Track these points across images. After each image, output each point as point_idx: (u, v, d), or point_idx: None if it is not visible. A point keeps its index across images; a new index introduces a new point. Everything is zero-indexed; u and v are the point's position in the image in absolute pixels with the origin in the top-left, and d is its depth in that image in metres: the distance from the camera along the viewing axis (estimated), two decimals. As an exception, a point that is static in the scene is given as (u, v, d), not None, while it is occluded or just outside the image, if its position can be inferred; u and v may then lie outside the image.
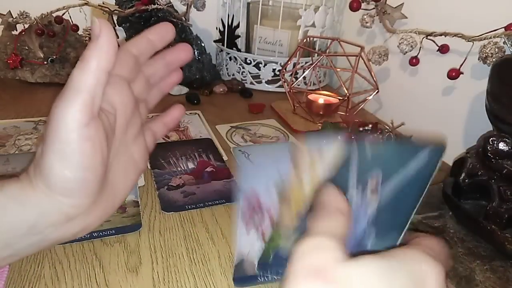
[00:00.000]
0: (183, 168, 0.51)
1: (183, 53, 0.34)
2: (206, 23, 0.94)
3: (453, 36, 0.56)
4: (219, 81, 0.84)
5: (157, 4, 0.77)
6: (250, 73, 0.84)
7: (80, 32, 0.78)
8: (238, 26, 0.85)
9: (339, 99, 0.69)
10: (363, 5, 0.70)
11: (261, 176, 0.40)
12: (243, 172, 0.44)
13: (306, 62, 0.81)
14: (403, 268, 0.17)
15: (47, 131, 0.22)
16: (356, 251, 0.19)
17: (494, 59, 0.50)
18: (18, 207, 0.22)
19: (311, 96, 0.72)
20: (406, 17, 0.67)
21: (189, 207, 0.43)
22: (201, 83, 0.81)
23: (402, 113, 0.72)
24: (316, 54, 0.75)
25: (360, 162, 0.37)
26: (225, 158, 0.54)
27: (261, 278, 0.34)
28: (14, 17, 0.71)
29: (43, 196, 0.23)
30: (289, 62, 0.74)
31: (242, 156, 0.55)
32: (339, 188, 0.34)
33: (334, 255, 0.17)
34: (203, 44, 0.84)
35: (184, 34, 0.82)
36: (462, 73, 0.56)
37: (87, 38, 0.77)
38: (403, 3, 0.67)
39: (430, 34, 0.59)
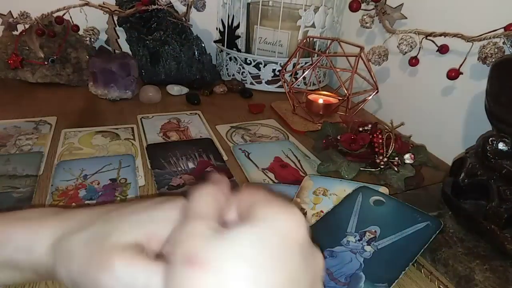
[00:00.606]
0: (183, 168, 0.51)
1: None
2: (206, 24, 0.94)
3: (452, 37, 0.56)
4: (219, 81, 0.84)
5: (158, 5, 0.77)
6: (250, 73, 0.84)
7: (80, 32, 0.78)
8: (238, 26, 0.85)
9: (339, 99, 0.69)
10: (363, 6, 0.70)
11: None
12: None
13: (306, 63, 0.81)
14: (269, 228, 0.17)
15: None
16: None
17: (493, 59, 0.50)
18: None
19: (311, 96, 0.72)
20: (406, 18, 0.67)
21: (189, 207, 0.43)
22: (201, 83, 0.81)
23: (401, 113, 0.72)
24: (316, 55, 0.75)
25: (362, 212, 0.40)
26: (225, 158, 0.54)
27: None
28: (14, 17, 0.72)
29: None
30: (289, 63, 0.74)
31: (242, 155, 0.55)
32: (337, 228, 0.37)
33: (203, 238, 0.17)
34: (203, 45, 0.84)
35: (184, 34, 0.82)
36: (462, 73, 0.57)
37: (87, 39, 0.78)
38: (402, 4, 0.67)
39: (430, 35, 0.59)
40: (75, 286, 0.20)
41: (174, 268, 0.17)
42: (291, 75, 0.75)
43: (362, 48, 0.65)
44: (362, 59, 0.64)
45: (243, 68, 0.84)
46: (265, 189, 0.21)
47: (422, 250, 0.35)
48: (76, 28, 0.77)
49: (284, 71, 0.74)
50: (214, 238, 0.17)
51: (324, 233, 0.37)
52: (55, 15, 0.72)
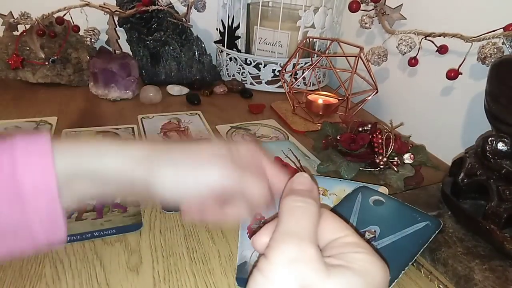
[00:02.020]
0: (183, 168, 0.51)
1: None
2: (206, 24, 0.94)
3: (452, 37, 0.56)
4: (220, 82, 0.84)
5: (158, 5, 0.77)
6: (250, 73, 0.84)
7: (81, 32, 0.78)
8: (238, 27, 0.85)
9: (339, 100, 0.69)
10: (362, 6, 0.70)
11: None
12: None
13: (305, 63, 0.81)
14: (371, 281, 0.20)
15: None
16: None
17: (493, 60, 0.51)
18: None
19: (311, 97, 0.72)
20: (405, 18, 0.67)
21: (190, 206, 0.43)
22: (201, 83, 0.82)
23: (401, 114, 0.72)
24: (315, 55, 0.75)
25: (361, 212, 0.40)
26: (225, 158, 0.54)
27: None
28: (15, 17, 0.72)
29: (142, 172, 0.26)
30: (288, 63, 0.75)
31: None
32: None
33: (317, 267, 0.19)
34: (203, 45, 0.84)
35: (184, 35, 0.82)
36: (461, 74, 0.57)
37: (88, 39, 0.78)
38: (402, 4, 0.67)
39: (429, 35, 0.60)
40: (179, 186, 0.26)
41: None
42: (291, 75, 0.75)
43: (361, 49, 0.65)
44: (362, 59, 0.65)
45: (243, 68, 0.84)
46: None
47: (421, 250, 0.35)
48: (77, 28, 0.77)
49: (284, 71, 0.74)
50: (326, 276, 0.19)
51: None
52: (55, 15, 0.72)
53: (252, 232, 0.42)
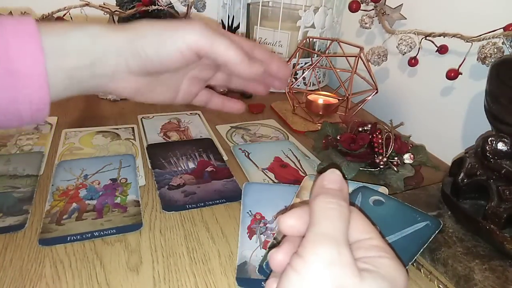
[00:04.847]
0: (183, 168, 0.51)
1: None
2: (206, 24, 0.94)
3: (452, 37, 0.56)
4: (219, 82, 0.84)
5: (158, 5, 0.77)
6: (250, 73, 0.84)
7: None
8: (238, 27, 0.85)
9: (339, 100, 0.69)
10: (362, 6, 0.70)
11: (266, 205, 0.43)
12: (248, 193, 0.45)
13: (305, 63, 0.81)
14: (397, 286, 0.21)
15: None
16: None
17: (493, 60, 0.51)
18: (91, 40, 0.28)
19: (311, 97, 0.72)
20: (405, 18, 0.67)
21: (190, 206, 0.44)
22: (201, 83, 0.82)
23: (401, 114, 0.72)
24: (315, 55, 0.75)
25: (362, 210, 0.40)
26: (225, 158, 0.54)
27: (265, 283, 0.34)
28: (15, 18, 0.72)
29: (123, 39, 0.28)
30: (288, 63, 0.75)
31: (242, 155, 0.55)
32: None
33: (352, 271, 0.19)
34: (203, 45, 0.84)
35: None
36: (461, 74, 0.57)
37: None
38: (402, 4, 0.67)
39: (429, 35, 0.60)
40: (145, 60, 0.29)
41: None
42: (291, 75, 0.75)
43: (361, 49, 0.65)
44: (362, 59, 0.65)
45: (243, 68, 0.84)
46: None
47: (421, 250, 0.35)
48: (77, 28, 0.77)
49: (284, 71, 0.74)
50: (360, 280, 0.19)
51: None
52: (55, 15, 0.72)
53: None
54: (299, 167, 0.53)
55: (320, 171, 0.52)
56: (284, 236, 0.24)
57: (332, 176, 0.24)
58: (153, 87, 0.33)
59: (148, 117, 0.66)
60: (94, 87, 0.30)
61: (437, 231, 0.37)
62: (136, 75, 0.30)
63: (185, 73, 0.35)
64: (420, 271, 0.36)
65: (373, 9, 0.70)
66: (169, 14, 0.80)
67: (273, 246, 0.37)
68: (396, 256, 0.22)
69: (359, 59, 0.64)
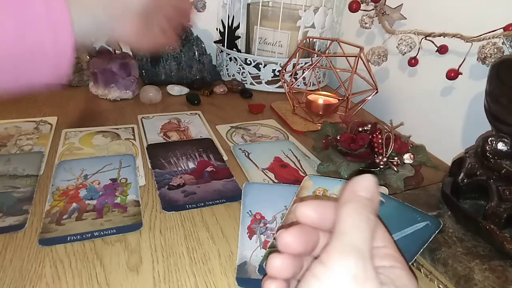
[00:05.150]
0: (183, 168, 0.51)
1: None
2: (206, 24, 0.94)
3: (452, 37, 0.56)
4: (220, 82, 0.84)
5: (158, 5, 0.77)
6: (250, 73, 0.84)
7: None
8: (238, 27, 0.85)
9: (339, 100, 0.69)
10: (362, 6, 0.70)
11: (266, 205, 0.43)
12: (248, 193, 0.45)
13: (305, 63, 0.81)
14: None
15: None
16: None
17: (493, 60, 0.51)
18: None
19: (311, 97, 0.72)
20: (405, 18, 0.67)
21: (190, 206, 0.44)
22: (201, 83, 0.82)
23: (401, 114, 0.72)
24: (315, 55, 0.75)
25: None
26: (225, 158, 0.55)
27: None
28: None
29: None
30: (288, 63, 0.75)
31: (242, 155, 0.55)
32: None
33: (374, 286, 0.19)
34: (203, 45, 0.84)
35: (184, 35, 0.82)
36: (461, 74, 0.57)
37: (87, 39, 0.78)
38: (402, 4, 0.67)
39: (429, 35, 0.60)
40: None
41: None
42: (291, 75, 0.75)
43: (361, 49, 0.65)
44: (362, 59, 0.65)
45: (243, 68, 0.84)
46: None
47: (421, 250, 0.35)
48: (77, 28, 0.77)
49: (284, 71, 0.74)
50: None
51: None
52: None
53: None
54: (299, 167, 0.53)
55: (320, 171, 0.52)
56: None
57: (366, 183, 0.23)
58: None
59: (148, 117, 0.66)
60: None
61: (437, 231, 0.37)
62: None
63: None
64: (420, 271, 0.36)
65: (373, 9, 0.70)
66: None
67: (273, 246, 0.37)
68: (407, 267, 0.22)
69: (359, 59, 0.64)
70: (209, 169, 0.51)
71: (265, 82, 0.84)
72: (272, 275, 0.22)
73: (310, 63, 0.77)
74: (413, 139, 0.63)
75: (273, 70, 0.83)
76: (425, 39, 0.60)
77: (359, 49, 0.65)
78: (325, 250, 0.20)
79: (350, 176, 0.50)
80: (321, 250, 0.21)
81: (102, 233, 0.38)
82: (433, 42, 0.60)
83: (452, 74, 0.57)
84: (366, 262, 0.20)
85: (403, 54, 0.63)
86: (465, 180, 0.42)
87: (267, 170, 0.52)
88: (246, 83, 0.84)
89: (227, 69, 0.88)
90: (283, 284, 0.22)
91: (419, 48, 0.62)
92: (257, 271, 0.35)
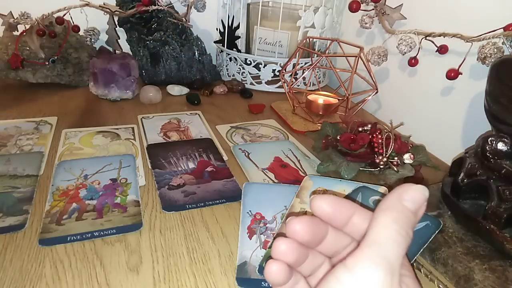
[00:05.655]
0: (183, 168, 0.51)
1: None
2: (206, 24, 0.94)
3: (452, 37, 0.56)
4: (220, 82, 0.84)
5: (158, 5, 0.77)
6: (250, 73, 0.84)
7: (81, 33, 0.78)
8: (238, 27, 0.85)
9: (339, 100, 0.69)
10: (362, 6, 0.70)
11: (266, 205, 0.43)
12: (248, 193, 0.45)
13: (305, 63, 0.81)
14: None
15: None
16: None
17: (493, 60, 0.51)
18: None
19: (311, 97, 0.72)
20: (405, 18, 0.67)
21: (190, 206, 0.44)
22: (201, 83, 0.82)
23: (401, 114, 0.72)
24: (315, 55, 0.75)
25: None
26: (225, 158, 0.55)
27: (265, 283, 0.34)
28: (15, 17, 0.72)
29: None
30: (288, 63, 0.75)
31: (242, 155, 0.55)
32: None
33: None
34: (203, 45, 0.84)
35: (184, 35, 0.82)
36: (461, 74, 0.57)
37: (88, 39, 0.78)
38: (402, 4, 0.67)
39: (429, 35, 0.60)
40: None
41: None
42: (291, 75, 0.75)
43: (361, 49, 0.65)
44: (362, 59, 0.65)
45: (243, 68, 0.84)
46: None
47: (421, 250, 0.35)
48: (77, 28, 0.77)
49: (284, 71, 0.74)
50: None
51: None
52: (55, 15, 0.72)
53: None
54: (299, 167, 0.53)
55: (320, 171, 0.52)
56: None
57: (415, 194, 0.21)
58: None
59: (148, 117, 0.66)
60: None
61: (437, 231, 0.37)
62: None
63: None
64: (420, 271, 0.36)
65: (373, 9, 0.70)
66: (169, 14, 0.80)
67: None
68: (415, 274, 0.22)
69: (359, 59, 0.64)
70: (209, 169, 0.51)
71: (265, 82, 0.84)
72: (276, 257, 0.22)
73: (310, 63, 0.77)
74: (413, 139, 0.63)
75: (273, 70, 0.83)
76: (425, 39, 0.60)
77: (359, 49, 0.65)
78: (352, 255, 0.19)
79: (351, 176, 0.50)
80: (348, 254, 0.20)
81: (102, 233, 0.38)
82: (433, 42, 0.60)
83: (452, 74, 0.57)
84: (394, 278, 0.19)
85: (403, 54, 0.63)
86: (465, 180, 0.42)
87: (267, 170, 0.52)
88: (246, 83, 0.84)
89: (227, 69, 0.88)
90: (285, 267, 0.22)
91: (419, 48, 0.62)
92: (257, 271, 0.35)
